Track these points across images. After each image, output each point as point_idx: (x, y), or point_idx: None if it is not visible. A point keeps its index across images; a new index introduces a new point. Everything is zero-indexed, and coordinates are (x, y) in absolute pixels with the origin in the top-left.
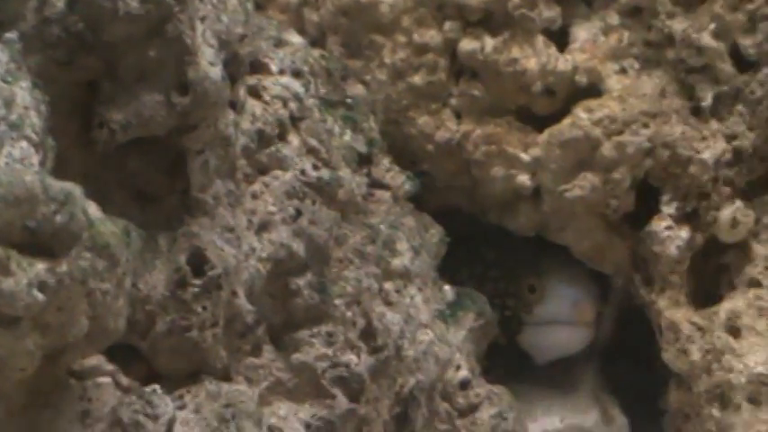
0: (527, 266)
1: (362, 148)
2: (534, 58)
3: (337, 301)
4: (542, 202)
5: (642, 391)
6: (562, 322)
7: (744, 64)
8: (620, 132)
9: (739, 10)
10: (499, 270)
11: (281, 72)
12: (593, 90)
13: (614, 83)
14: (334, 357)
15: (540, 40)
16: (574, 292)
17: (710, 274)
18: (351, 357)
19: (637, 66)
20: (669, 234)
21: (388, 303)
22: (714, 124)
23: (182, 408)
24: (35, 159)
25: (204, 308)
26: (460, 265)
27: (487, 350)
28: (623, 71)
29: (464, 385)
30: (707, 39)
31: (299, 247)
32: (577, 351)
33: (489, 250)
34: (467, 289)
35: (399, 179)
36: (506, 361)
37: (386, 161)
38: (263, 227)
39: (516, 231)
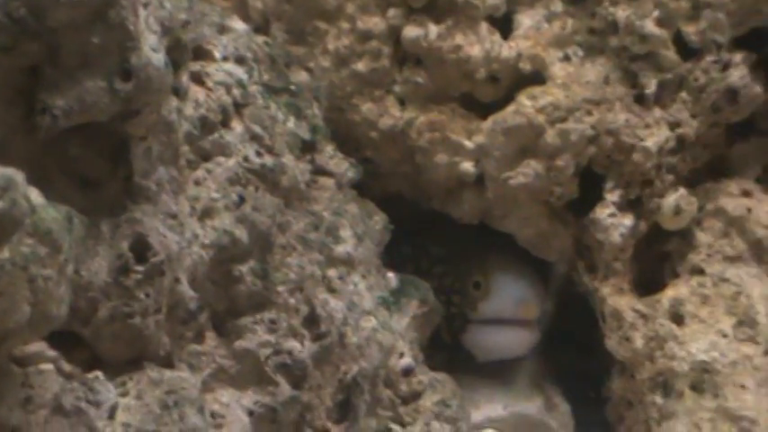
0: (473, 262)
1: (306, 135)
2: (478, 45)
3: (280, 288)
4: (486, 190)
5: (585, 379)
6: (506, 321)
7: (687, 51)
8: (564, 120)
9: None
10: (444, 266)
11: (225, 59)
12: (537, 77)
13: (558, 70)
14: (277, 344)
15: (484, 27)
16: (519, 289)
17: (654, 261)
18: (294, 344)
19: (580, 53)
20: (612, 221)
21: (332, 290)
22: (658, 112)
23: (124, 395)
24: None
25: (147, 294)
26: (405, 260)
27: (431, 345)
28: (567, 58)
29: (407, 372)
30: (650, 26)
31: (242, 233)
32: (521, 354)
33: (435, 245)
34: (410, 276)
35: (343, 166)
36: (450, 355)
37: (329, 148)
38: (206, 213)
39: (460, 219)
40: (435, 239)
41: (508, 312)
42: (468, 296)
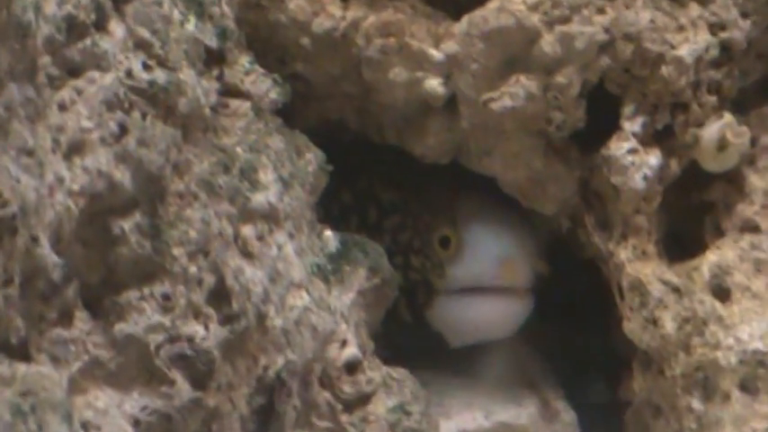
0: (438, 210)
1: (212, 42)
2: None
3: (176, 251)
4: (459, 117)
5: (595, 375)
6: (485, 289)
7: None
8: (567, 20)
9: None
10: (400, 216)
11: None
12: None
13: None
14: (172, 328)
15: None
16: (502, 244)
17: (690, 215)
18: (195, 328)
19: None
20: (633, 160)
21: (248, 255)
22: (695, 9)
23: None
24: None
25: None
26: (348, 213)
27: (385, 327)
28: None
29: (352, 367)
30: None
31: (123, 176)
32: (506, 334)
33: (387, 190)
34: (355, 235)
35: (263, 85)
36: (411, 341)
37: (244, 60)
38: (74, 149)
39: (423, 157)
40: (388, 183)
41: (487, 276)
42: (433, 257)
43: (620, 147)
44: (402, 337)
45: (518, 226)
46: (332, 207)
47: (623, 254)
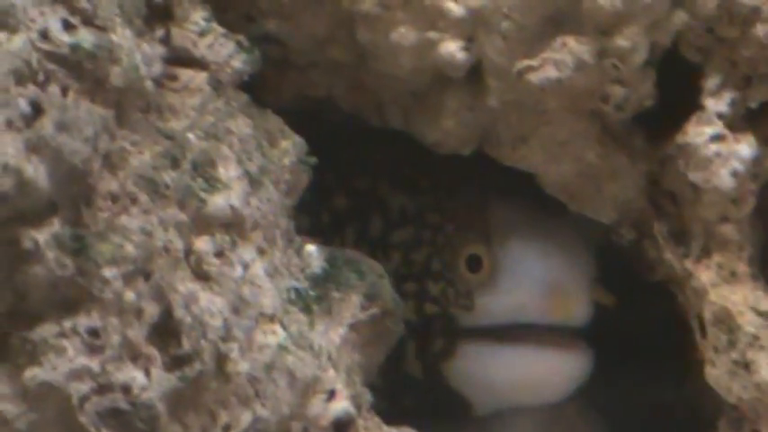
0: (465, 220)
1: None
2: None
3: (108, 272)
4: (486, 93)
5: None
6: (529, 329)
7: None
8: None
9: None
10: (414, 228)
11: None
12: None
13: None
14: (101, 375)
15: None
16: (551, 267)
17: None
18: (133, 375)
19: None
20: (719, 150)
21: (203, 277)
22: None
23: None
24: None
25: None
26: (340, 221)
27: (388, 375)
28: None
29: (342, 426)
30: None
31: (36, 172)
32: (559, 398)
33: (395, 190)
34: (348, 251)
35: (224, 50)
36: (423, 397)
37: (198, 16)
38: None
39: (438, 146)
40: (397, 183)
41: (532, 310)
42: (458, 284)
43: (700, 132)
44: (409, 397)
45: (571, 241)
46: (320, 214)
47: (705, 275)
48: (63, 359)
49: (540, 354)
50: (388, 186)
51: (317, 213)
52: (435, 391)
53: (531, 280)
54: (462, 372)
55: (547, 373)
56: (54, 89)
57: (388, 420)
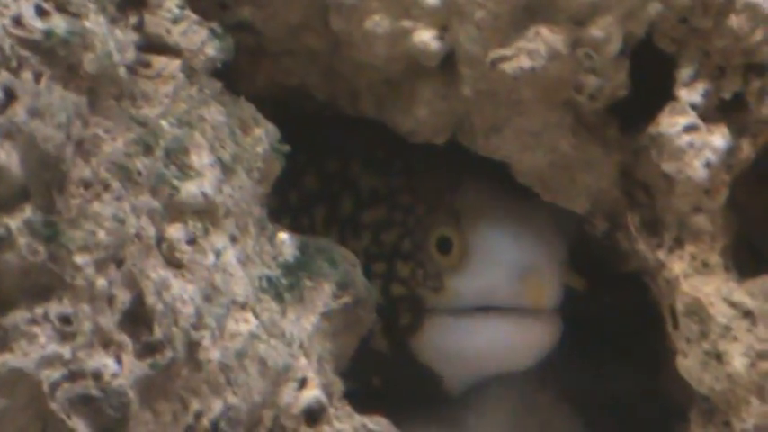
0: (436, 202)
1: None
2: None
3: (79, 259)
4: (460, 82)
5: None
6: (500, 308)
7: None
8: None
9: None
10: (385, 208)
11: None
12: None
13: None
14: (72, 362)
15: None
16: (523, 250)
17: (767, 214)
18: (104, 362)
19: None
20: (692, 140)
21: (175, 264)
22: None
23: None
24: None
25: None
26: (311, 199)
27: (359, 361)
28: None
29: (314, 415)
30: None
31: (9, 158)
32: (525, 365)
33: (366, 171)
34: (321, 240)
35: (197, 37)
36: (392, 378)
37: (171, 3)
38: None
39: (412, 135)
40: (368, 165)
41: (503, 293)
42: (428, 265)
43: (674, 123)
44: (378, 375)
45: (543, 225)
46: (289, 195)
47: (678, 266)
48: (34, 346)
49: (506, 321)
50: (360, 168)
51: (286, 194)
52: (404, 367)
53: (502, 263)
54: (429, 345)
55: (514, 339)
56: (27, 75)
57: (358, 402)
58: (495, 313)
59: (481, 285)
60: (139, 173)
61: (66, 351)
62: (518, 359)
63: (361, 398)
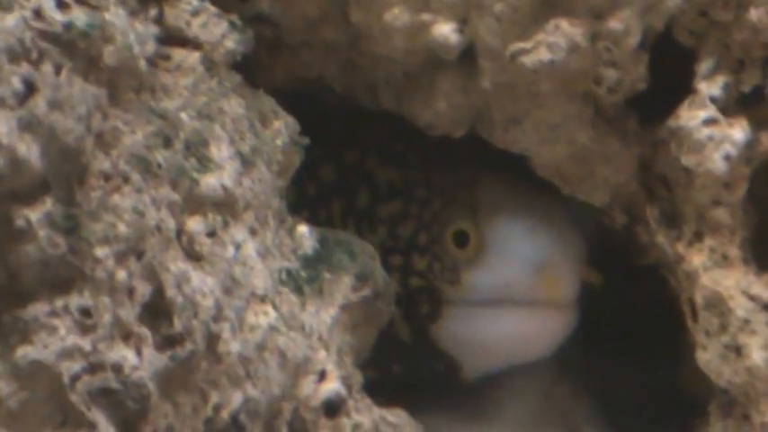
0: (453, 195)
1: None
2: None
3: (100, 252)
4: (479, 75)
5: (654, 416)
6: (516, 302)
7: None
8: None
9: None
10: (401, 202)
11: None
12: None
13: None
14: (92, 354)
15: None
16: (539, 245)
17: None
18: (124, 354)
19: None
20: (711, 134)
21: (195, 257)
22: None
23: None
24: None
25: None
26: (328, 191)
27: (378, 353)
28: None
29: (333, 408)
30: None
31: (29, 150)
32: (540, 354)
33: (383, 164)
34: (340, 233)
35: (217, 30)
36: (411, 369)
37: None
38: None
39: (430, 128)
40: (385, 158)
41: (519, 287)
42: (444, 258)
43: (693, 116)
44: (398, 363)
45: (560, 220)
46: (306, 187)
47: (697, 259)
48: (54, 338)
49: (524, 311)
50: (377, 161)
51: (304, 185)
52: (424, 354)
53: (519, 257)
54: (449, 333)
55: (529, 330)
56: (47, 68)
57: (378, 391)
58: (511, 305)
59: (497, 279)
60: (159, 165)
61: (86, 343)
62: (532, 350)
63: (381, 387)
